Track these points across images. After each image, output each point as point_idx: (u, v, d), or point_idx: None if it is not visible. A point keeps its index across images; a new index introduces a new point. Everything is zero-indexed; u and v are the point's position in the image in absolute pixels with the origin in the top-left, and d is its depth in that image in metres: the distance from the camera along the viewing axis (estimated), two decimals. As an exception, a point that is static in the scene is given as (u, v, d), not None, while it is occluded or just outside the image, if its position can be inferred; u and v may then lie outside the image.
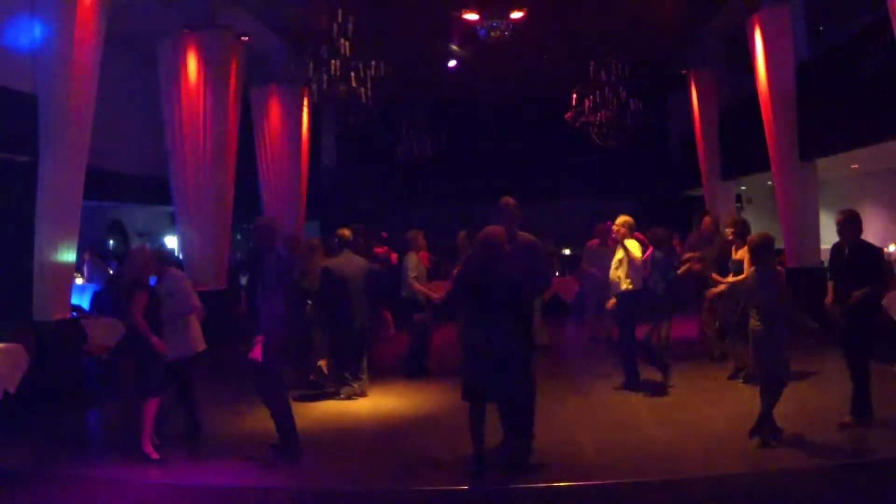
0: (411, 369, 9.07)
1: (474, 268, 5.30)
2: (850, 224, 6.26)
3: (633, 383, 7.82)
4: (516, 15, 12.25)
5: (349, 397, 7.88)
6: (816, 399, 6.93)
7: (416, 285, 8.97)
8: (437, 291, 9.17)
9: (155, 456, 5.75)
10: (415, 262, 9.10)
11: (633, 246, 7.78)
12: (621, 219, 7.94)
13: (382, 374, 9.03)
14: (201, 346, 6.56)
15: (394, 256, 11.14)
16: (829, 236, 7.96)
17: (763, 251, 5.98)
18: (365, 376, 8.10)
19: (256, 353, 5.64)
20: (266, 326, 5.67)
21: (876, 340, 6.25)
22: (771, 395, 5.74)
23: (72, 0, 7.81)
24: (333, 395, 7.94)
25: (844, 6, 12.34)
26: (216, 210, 11.52)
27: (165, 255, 7.37)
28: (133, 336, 5.94)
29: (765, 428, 5.73)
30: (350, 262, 8.12)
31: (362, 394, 7.98)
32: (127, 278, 6.14)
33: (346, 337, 7.97)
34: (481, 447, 5.23)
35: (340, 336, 7.99)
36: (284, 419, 5.81)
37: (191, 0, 11.74)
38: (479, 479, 5.12)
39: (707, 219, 9.76)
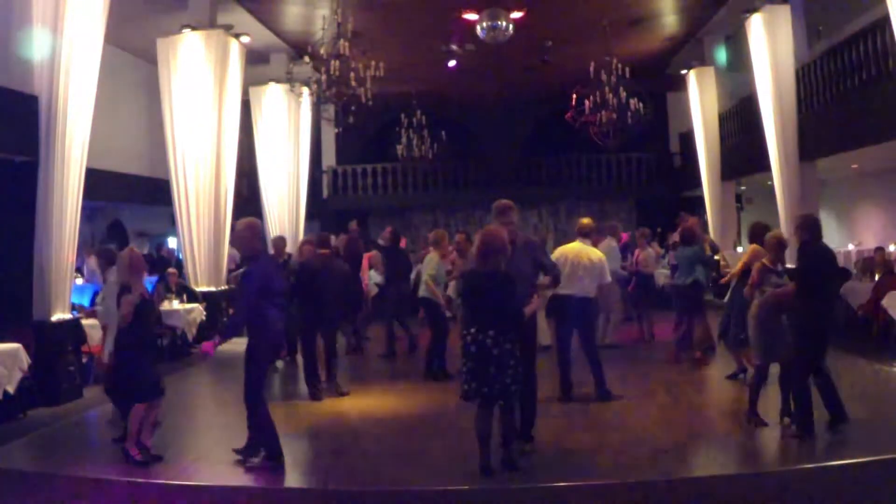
0: (432, 371, 8.73)
1: (479, 268, 5.32)
2: (798, 229, 6.01)
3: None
4: (516, 15, 12.25)
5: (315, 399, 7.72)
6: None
7: (429, 284, 8.85)
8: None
9: (138, 457, 5.69)
10: (434, 262, 9.00)
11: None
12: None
13: (383, 374, 9.02)
14: None
15: (366, 260, 11.51)
16: (829, 237, 7.96)
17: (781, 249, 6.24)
18: (327, 380, 7.92)
19: (206, 346, 5.70)
20: (250, 330, 5.67)
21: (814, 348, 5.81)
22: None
23: (72, 0, 7.81)
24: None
25: (844, 6, 12.35)
26: (216, 210, 11.52)
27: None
28: (133, 336, 5.93)
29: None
30: (323, 262, 8.03)
31: (319, 397, 7.75)
32: (119, 283, 6.12)
33: (305, 334, 7.99)
34: (488, 448, 5.19)
35: (303, 333, 8.01)
36: (262, 423, 5.68)
37: (191, 0, 11.75)
38: (486, 478, 5.09)
39: (693, 220, 9.77)
